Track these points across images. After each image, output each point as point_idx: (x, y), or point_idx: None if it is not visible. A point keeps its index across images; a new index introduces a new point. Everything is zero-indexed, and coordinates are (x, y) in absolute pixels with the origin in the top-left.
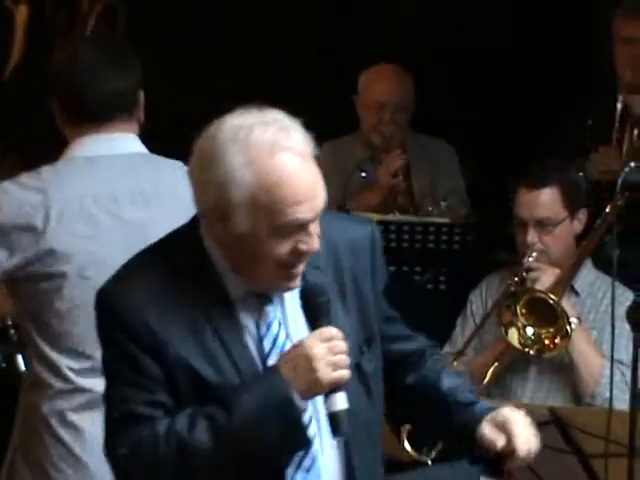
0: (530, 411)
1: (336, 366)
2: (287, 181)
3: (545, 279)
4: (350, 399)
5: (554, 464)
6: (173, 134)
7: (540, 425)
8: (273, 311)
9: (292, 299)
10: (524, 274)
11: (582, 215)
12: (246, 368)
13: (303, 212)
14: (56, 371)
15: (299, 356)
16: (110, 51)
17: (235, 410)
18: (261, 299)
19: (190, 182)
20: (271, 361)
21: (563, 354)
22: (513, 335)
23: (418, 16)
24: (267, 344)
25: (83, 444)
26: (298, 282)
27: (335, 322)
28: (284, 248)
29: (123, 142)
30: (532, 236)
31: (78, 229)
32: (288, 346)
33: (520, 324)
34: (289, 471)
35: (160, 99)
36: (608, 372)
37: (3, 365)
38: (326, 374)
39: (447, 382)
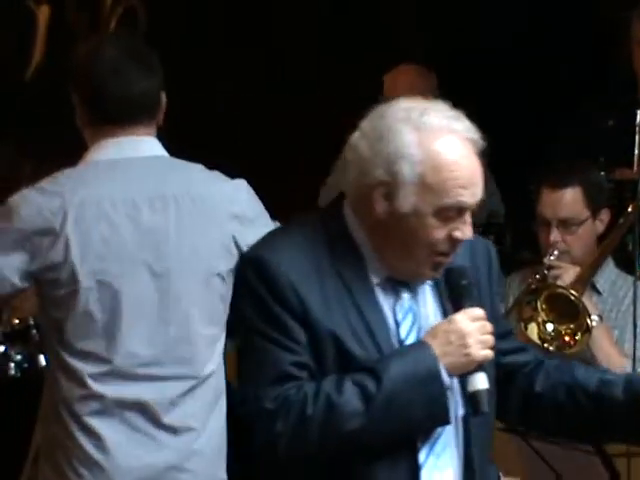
0: None
1: (485, 345)
2: (456, 163)
3: (566, 277)
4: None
5: (576, 464)
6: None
7: None
8: (409, 299)
9: (423, 290)
10: (545, 272)
11: (604, 215)
12: (387, 349)
13: (466, 196)
14: (73, 376)
15: (452, 332)
16: (134, 51)
17: (383, 378)
18: (397, 286)
19: (351, 160)
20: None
21: (585, 352)
22: (533, 330)
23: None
24: (404, 330)
25: (103, 450)
26: (440, 273)
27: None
28: (441, 233)
29: (144, 145)
30: (555, 235)
31: (95, 233)
32: (422, 334)
33: (540, 319)
34: (421, 455)
35: (175, 100)
36: (630, 371)
37: (25, 366)
38: (477, 351)
39: (581, 371)
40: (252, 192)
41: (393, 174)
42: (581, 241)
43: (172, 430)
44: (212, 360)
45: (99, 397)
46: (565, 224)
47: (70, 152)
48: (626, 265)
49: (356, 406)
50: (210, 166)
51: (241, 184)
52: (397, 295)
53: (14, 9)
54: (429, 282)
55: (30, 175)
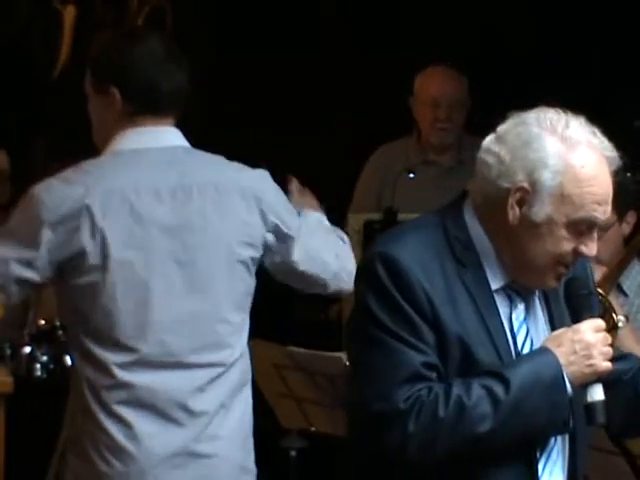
0: None
1: (606, 356)
2: (595, 178)
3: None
4: (578, 413)
5: (602, 466)
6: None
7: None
8: (524, 311)
9: (534, 301)
10: None
11: (630, 217)
12: (506, 358)
13: (599, 212)
14: (101, 367)
15: (578, 342)
16: (170, 46)
17: (512, 383)
18: (513, 295)
19: (487, 163)
20: None
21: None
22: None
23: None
24: (520, 339)
25: (133, 438)
26: (560, 283)
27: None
28: (569, 245)
29: (167, 135)
30: None
31: (120, 222)
32: (535, 346)
33: None
34: (540, 466)
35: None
36: None
37: (51, 367)
38: (600, 362)
39: None
40: (274, 182)
41: (533, 181)
42: (608, 245)
43: (199, 416)
44: (238, 347)
45: (127, 386)
46: None
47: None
48: None
49: (485, 409)
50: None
51: (264, 174)
52: (512, 304)
53: (41, 9)
54: (537, 293)
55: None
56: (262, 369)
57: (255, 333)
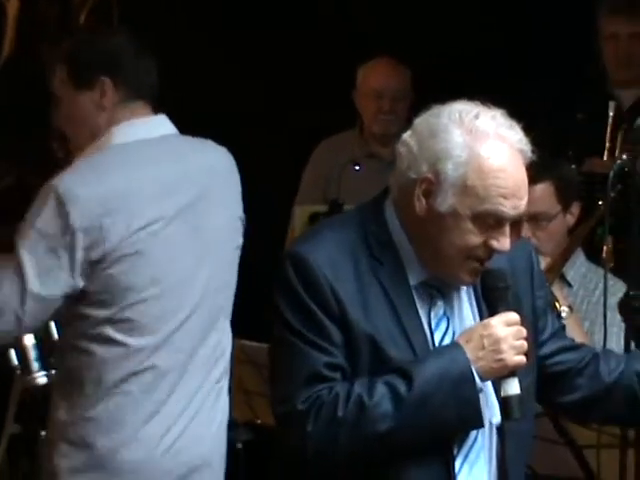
0: None
1: (519, 351)
2: (502, 171)
3: None
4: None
5: (547, 455)
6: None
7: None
8: (444, 306)
9: (459, 295)
10: None
11: (575, 209)
12: (422, 353)
13: (506, 207)
14: (124, 351)
15: (486, 336)
16: (136, 39)
17: (415, 380)
18: (433, 291)
19: (399, 155)
20: None
21: None
22: None
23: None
24: (438, 336)
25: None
26: (477, 279)
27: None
28: (477, 239)
29: (161, 123)
30: (526, 231)
31: (139, 216)
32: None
33: None
34: (457, 463)
35: None
36: None
37: None
38: (510, 357)
39: None
40: None
41: (436, 172)
42: (552, 236)
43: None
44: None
45: (152, 368)
46: (536, 219)
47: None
48: (595, 258)
49: (386, 408)
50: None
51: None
52: (432, 300)
53: None
54: (466, 288)
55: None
56: None
57: None
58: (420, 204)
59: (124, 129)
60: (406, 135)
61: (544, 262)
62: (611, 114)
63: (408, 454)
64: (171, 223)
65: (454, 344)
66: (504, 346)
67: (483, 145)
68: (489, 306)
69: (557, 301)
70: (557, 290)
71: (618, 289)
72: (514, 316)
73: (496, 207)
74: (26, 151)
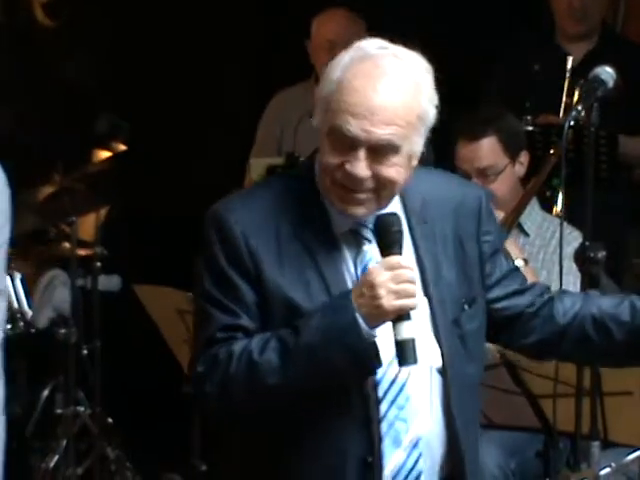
0: None
1: (399, 294)
2: (359, 91)
3: None
4: (450, 350)
5: (504, 405)
6: None
7: (490, 368)
8: (371, 251)
9: None
10: None
11: (523, 158)
12: None
13: (353, 126)
14: None
15: (364, 283)
16: None
17: (302, 331)
18: (362, 238)
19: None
20: None
21: None
22: None
23: None
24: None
25: None
26: (359, 211)
27: (439, 271)
28: (333, 160)
29: None
30: None
31: None
32: None
33: None
34: (382, 407)
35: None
36: None
37: None
38: (388, 301)
39: (606, 301)
40: None
41: (320, 93)
42: (504, 187)
43: None
44: None
45: None
46: (484, 174)
47: None
48: (548, 208)
49: (275, 362)
50: None
51: None
52: (359, 247)
53: None
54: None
55: None
56: (165, 315)
57: (159, 280)
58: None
59: None
60: None
61: (498, 215)
62: (568, 67)
63: (321, 401)
64: None
65: (345, 293)
66: (381, 291)
67: (356, 66)
68: (382, 251)
69: (510, 258)
70: (512, 242)
71: (574, 238)
72: (395, 260)
73: (342, 124)
74: None
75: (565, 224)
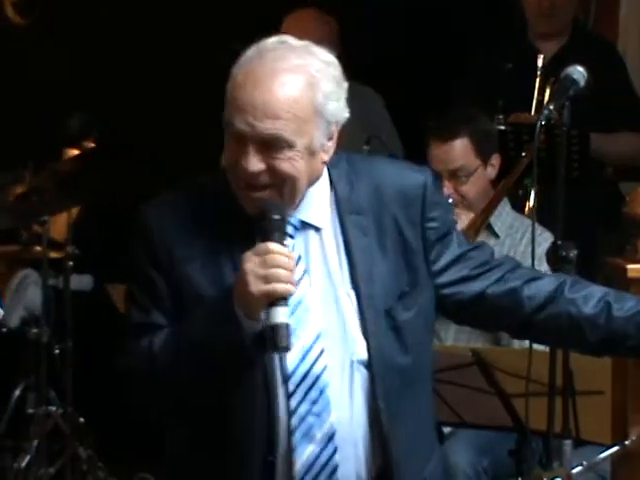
0: (454, 353)
1: (267, 279)
2: (242, 85)
3: (459, 224)
4: (377, 343)
5: (476, 404)
6: None
7: (462, 367)
8: (293, 247)
9: (321, 238)
10: None
11: (495, 160)
12: None
13: (237, 120)
14: None
15: (240, 270)
16: None
17: (192, 322)
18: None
19: None
20: None
21: None
22: None
23: None
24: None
25: None
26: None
27: (370, 263)
28: (231, 153)
29: None
30: (447, 188)
31: None
32: (306, 280)
33: None
34: (293, 401)
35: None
36: None
37: None
38: (255, 287)
39: (588, 306)
40: None
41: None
42: (475, 189)
43: None
44: None
45: None
46: (456, 175)
47: None
48: (519, 208)
49: (169, 354)
50: None
51: None
52: (279, 242)
53: None
54: (334, 224)
55: None
56: None
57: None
58: None
59: None
60: None
61: (467, 218)
62: (540, 66)
63: (221, 398)
64: None
65: (231, 284)
66: (249, 277)
67: (248, 61)
68: (260, 239)
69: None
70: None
71: (544, 239)
72: (265, 246)
73: (229, 119)
74: None
75: (536, 225)
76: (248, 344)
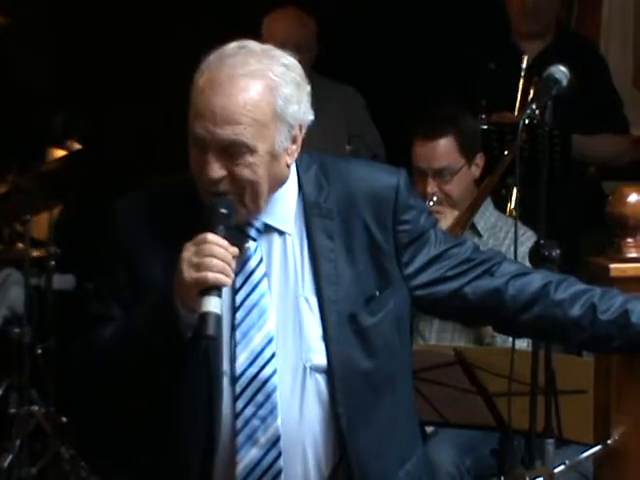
0: (436, 352)
1: (199, 267)
2: (201, 92)
3: (444, 222)
4: (339, 349)
5: (459, 404)
6: None
7: (445, 366)
8: (255, 249)
9: (284, 242)
10: None
11: (479, 160)
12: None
13: (198, 127)
14: None
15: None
16: None
17: (136, 314)
18: (244, 235)
19: None
20: (240, 296)
21: None
22: None
23: None
24: (239, 279)
25: None
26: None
27: (335, 268)
28: (194, 160)
29: None
30: (432, 187)
31: None
32: (264, 283)
33: None
34: (239, 403)
35: None
36: None
37: None
38: (188, 274)
39: (575, 308)
40: None
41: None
42: (459, 188)
43: None
44: None
45: None
46: (440, 174)
47: None
48: (502, 208)
49: (114, 345)
50: None
51: None
52: (240, 245)
53: None
54: (300, 225)
55: None
56: None
57: None
58: None
59: None
60: None
61: (451, 217)
62: (523, 66)
63: (170, 387)
64: None
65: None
66: (184, 265)
67: (207, 67)
68: (205, 230)
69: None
70: None
71: (527, 238)
72: (203, 236)
73: (191, 126)
74: None
75: (519, 224)
76: (184, 334)
